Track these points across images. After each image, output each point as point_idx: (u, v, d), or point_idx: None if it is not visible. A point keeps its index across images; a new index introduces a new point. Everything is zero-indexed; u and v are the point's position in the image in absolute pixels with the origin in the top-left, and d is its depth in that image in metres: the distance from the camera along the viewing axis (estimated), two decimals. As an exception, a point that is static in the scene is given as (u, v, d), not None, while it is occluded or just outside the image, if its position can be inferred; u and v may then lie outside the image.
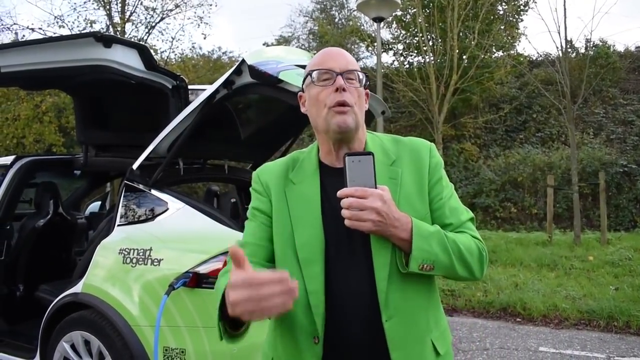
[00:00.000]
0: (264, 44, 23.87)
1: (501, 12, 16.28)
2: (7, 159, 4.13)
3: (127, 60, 3.40)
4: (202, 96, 3.09)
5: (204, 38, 25.64)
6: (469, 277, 1.46)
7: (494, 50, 15.95)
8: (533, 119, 16.62)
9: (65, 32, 15.32)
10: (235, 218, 3.95)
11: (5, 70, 3.15)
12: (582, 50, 16.43)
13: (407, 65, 16.60)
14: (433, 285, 1.51)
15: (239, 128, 4.03)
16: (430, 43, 14.59)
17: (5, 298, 4.04)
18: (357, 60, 13.37)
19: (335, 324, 1.44)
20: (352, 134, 1.45)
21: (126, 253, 3.04)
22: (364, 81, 1.48)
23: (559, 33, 12.55)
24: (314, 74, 1.46)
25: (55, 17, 15.46)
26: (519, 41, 17.12)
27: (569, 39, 15.06)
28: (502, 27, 15.43)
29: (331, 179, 1.46)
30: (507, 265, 8.05)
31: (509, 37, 16.18)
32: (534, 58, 17.53)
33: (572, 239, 9.83)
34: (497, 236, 10.66)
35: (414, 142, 1.55)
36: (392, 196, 1.36)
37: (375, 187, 1.32)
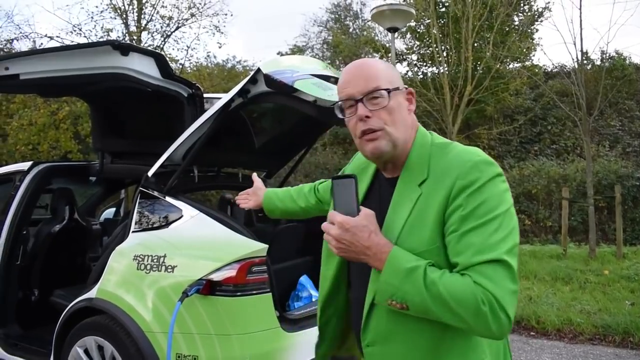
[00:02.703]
0: (278, 54, 24.03)
1: (516, 23, 16.25)
2: (25, 165, 4.17)
3: (143, 68, 3.43)
4: (218, 104, 3.11)
5: (219, 47, 25.85)
6: (475, 331, 1.23)
7: (509, 61, 15.90)
8: (548, 130, 16.52)
9: (82, 40, 15.55)
10: (248, 226, 3.96)
11: (24, 77, 3.20)
12: (598, 62, 16.30)
13: (421, 76, 16.60)
14: (448, 329, 1.30)
15: (253, 136, 4.05)
16: (445, 53, 14.59)
17: (20, 302, 4.08)
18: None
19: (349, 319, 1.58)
20: (390, 155, 1.41)
21: (140, 259, 3.06)
22: (389, 95, 1.37)
23: (574, 44, 12.47)
24: (341, 105, 1.44)
25: (73, 25, 15.71)
26: (534, 52, 17.07)
27: (584, 50, 14.94)
28: (517, 38, 15.38)
29: (380, 187, 1.49)
30: (521, 278, 7.97)
31: (524, 48, 16.12)
32: (549, 69, 17.47)
33: (587, 253, 9.72)
34: (511, 248, 10.56)
35: (454, 157, 1.34)
36: (391, 221, 1.35)
37: (357, 211, 1.32)
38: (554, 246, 11.08)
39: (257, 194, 2.26)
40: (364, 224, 1.30)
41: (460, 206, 1.26)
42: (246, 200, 2.29)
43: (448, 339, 1.30)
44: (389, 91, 1.37)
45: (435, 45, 14.26)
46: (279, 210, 2.19)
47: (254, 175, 2.37)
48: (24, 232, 4.06)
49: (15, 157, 13.90)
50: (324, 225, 1.35)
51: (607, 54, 16.14)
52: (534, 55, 17.38)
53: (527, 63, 16.77)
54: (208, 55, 22.41)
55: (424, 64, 17.17)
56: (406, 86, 1.43)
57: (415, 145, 1.41)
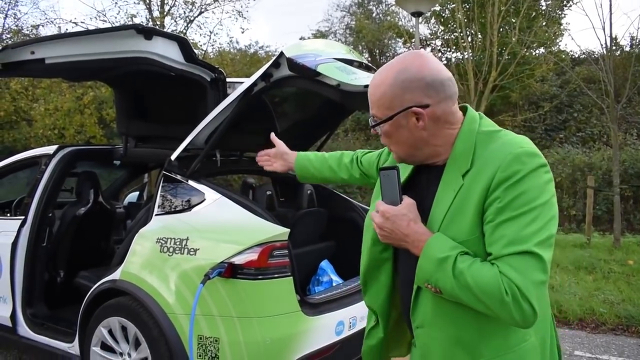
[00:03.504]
0: (300, 39, 23.92)
1: (543, 8, 15.93)
2: (50, 149, 4.23)
3: (167, 52, 3.44)
4: (240, 88, 3.11)
5: (242, 32, 25.87)
6: (502, 319, 1.26)
7: (535, 46, 15.62)
8: (574, 118, 16.25)
9: (107, 26, 15.67)
10: (270, 210, 3.97)
11: (49, 62, 3.23)
12: (627, 48, 15.96)
13: (445, 62, 16.41)
14: None
15: (275, 121, 4.05)
16: (469, 39, 14.40)
17: (46, 283, 4.16)
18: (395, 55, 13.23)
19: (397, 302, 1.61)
20: (411, 162, 1.49)
21: (163, 242, 3.09)
22: (383, 123, 1.41)
23: (603, 30, 12.13)
24: None
25: (97, 11, 15.87)
26: (561, 38, 16.76)
27: (613, 36, 14.63)
28: (544, 23, 15.09)
29: (430, 175, 1.48)
30: (545, 266, 7.88)
31: (551, 34, 15.82)
32: (577, 55, 17.16)
33: (612, 242, 9.56)
34: (534, 237, 10.44)
35: (498, 148, 1.34)
36: (435, 211, 1.39)
37: (400, 200, 1.40)
38: (578, 235, 10.93)
39: (283, 157, 2.27)
40: (403, 213, 1.38)
41: (498, 198, 1.27)
42: (269, 162, 2.31)
43: (493, 320, 1.33)
44: (382, 122, 1.41)
45: (460, 30, 14.07)
46: (314, 179, 2.21)
47: (273, 135, 2.36)
48: (50, 215, 4.12)
49: (41, 141, 14.12)
50: (372, 214, 1.45)
51: (637, 40, 15.78)
52: (561, 41, 17.14)
53: (553, 49, 16.48)
54: (231, 41, 22.46)
55: (448, 49, 17.00)
56: (413, 105, 1.36)
57: (461, 134, 1.41)
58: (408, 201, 1.40)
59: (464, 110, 1.46)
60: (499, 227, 1.26)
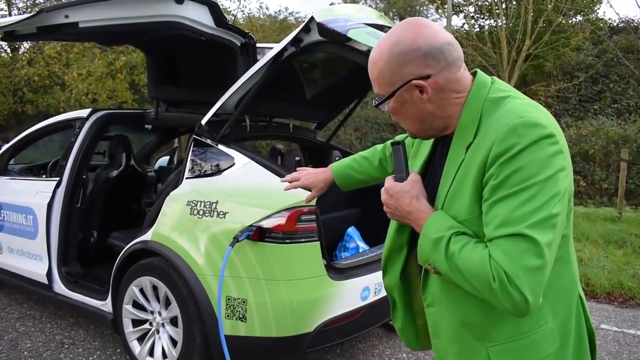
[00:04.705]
0: (331, 4, 23.57)
1: (582, -26, 15.38)
2: (84, 112, 4.30)
3: (198, 17, 3.45)
4: (270, 53, 3.11)
5: (272, -3, 25.58)
6: (497, 306, 1.17)
7: (572, 14, 15.13)
8: (610, 89, 15.78)
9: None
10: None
11: (82, 26, 3.27)
12: (670, 17, 15.34)
13: (478, 29, 16.07)
14: None
15: (304, 87, 4.04)
16: (504, 5, 14.01)
17: (80, 243, 4.29)
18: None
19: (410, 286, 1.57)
20: (422, 137, 1.43)
21: (193, 205, 3.15)
22: (386, 100, 1.33)
23: (644, -3, 11.74)
24: None
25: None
26: (600, 5, 16.17)
27: (655, 3, 14.06)
28: (583, -11, 14.60)
29: (442, 148, 1.42)
30: (573, 239, 7.78)
31: (589, 1, 15.28)
32: (615, 24, 16.55)
33: (644, 216, 9.40)
34: (564, 209, 10.31)
35: (498, 118, 1.24)
36: (441, 187, 1.33)
37: (406, 176, 1.37)
38: (609, 209, 10.74)
39: (317, 177, 2.04)
40: (406, 190, 1.34)
41: (493, 175, 1.18)
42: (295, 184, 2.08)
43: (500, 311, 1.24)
44: (384, 99, 1.34)
45: (493, -3, 13.71)
46: (356, 181, 2.01)
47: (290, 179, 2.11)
48: (84, 177, 4.22)
49: (74, 107, 14.36)
50: (382, 189, 1.41)
51: (680, 8, 15.15)
52: (599, 9, 16.51)
53: (591, 16, 15.92)
54: (260, 7, 22.28)
55: (481, 16, 16.58)
56: (413, 78, 1.27)
57: (467, 102, 1.31)
58: (413, 177, 1.37)
59: (475, 76, 1.36)
60: (493, 206, 1.17)
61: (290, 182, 2.08)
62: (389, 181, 1.39)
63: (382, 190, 1.40)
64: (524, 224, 1.12)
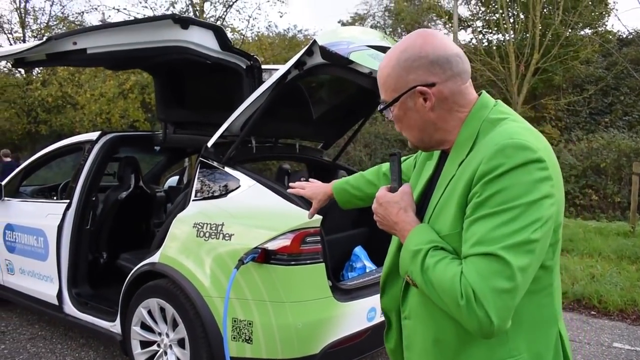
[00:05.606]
0: (339, 22, 23.78)
1: (589, -13, 15.39)
2: (93, 135, 4.37)
3: (203, 41, 3.51)
4: (275, 76, 3.15)
5: (281, 16, 25.97)
6: (464, 325, 1.15)
7: (580, 27, 15.12)
8: (620, 101, 15.70)
9: (148, 12, 15.95)
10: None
11: (91, 52, 3.34)
12: (679, 28, 15.28)
13: (486, 43, 16.10)
14: None
15: (310, 107, 4.08)
16: (511, 20, 14.04)
17: (90, 264, 4.33)
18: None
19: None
20: (423, 148, 1.45)
21: (200, 227, 3.18)
22: (390, 107, 1.36)
23: (653, 9, 11.71)
24: None
25: (139, -3, 16.15)
26: (608, 17, 16.15)
27: (664, 15, 14.01)
28: (590, 3, 14.58)
29: (442, 161, 1.44)
30: (584, 255, 7.71)
31: (597, 13, 15.27)
32: (624, 36, 16.50)
33: (658, 231, 9.27)
34: (576, 224, 10.21)
35: (490, 138, 1.24)
36: (431, 200, 1.35)
37: (398, 186, 1.40)
38: (622, 223, 10.62)
39: (318, 188, 2.06)
40: (395, 200, 1.37)
41: (477, 193, 1.18)
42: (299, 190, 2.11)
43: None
44: (388, 105, 1.36)
45: (501, 11, 13.76)
46: (356, 199, 2.00)
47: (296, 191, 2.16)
48: (94, 198, 4.27)
49: (87, 127, 14.56)
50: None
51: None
52: (607, 21, 16.49)
53: (599, 29, 15.90)
54: (269, 25, 22.54)
55: (489, 30, 16.62)
56: (417, 85, 1.30)
57: (467, 120, 1.32)
58: (404, 189, 1.38)
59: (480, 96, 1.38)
60: (473, 224, 1.17)
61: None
62: (381, 190, 1.42)
63: (375, 198, 1.43)
64: (498, 245, 1.11)
